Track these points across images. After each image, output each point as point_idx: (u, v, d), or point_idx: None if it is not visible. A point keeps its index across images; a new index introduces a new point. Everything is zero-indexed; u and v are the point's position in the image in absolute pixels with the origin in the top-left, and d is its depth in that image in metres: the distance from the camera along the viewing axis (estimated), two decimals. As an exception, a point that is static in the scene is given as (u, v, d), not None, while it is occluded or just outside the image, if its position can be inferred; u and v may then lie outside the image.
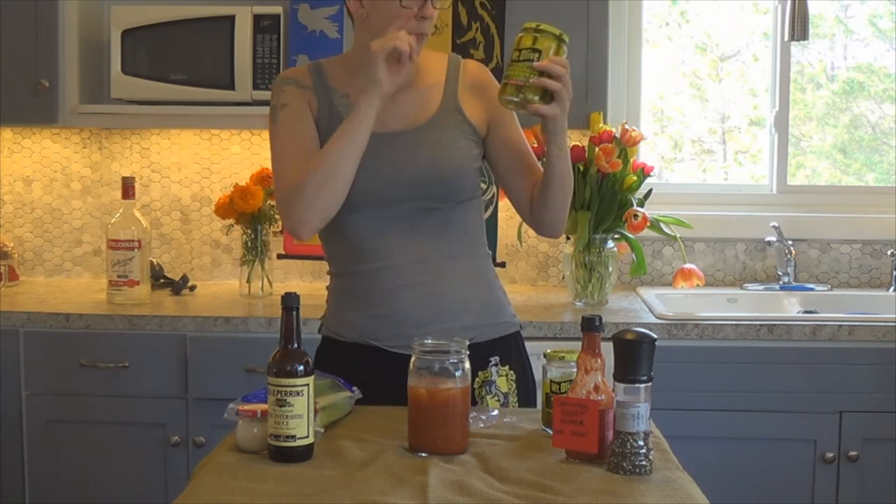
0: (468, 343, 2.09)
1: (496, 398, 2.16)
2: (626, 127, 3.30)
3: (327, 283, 2.28)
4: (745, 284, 3.59)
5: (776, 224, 3.55)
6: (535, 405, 2.22)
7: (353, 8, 2.13)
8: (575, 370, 1.82)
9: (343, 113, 2.13)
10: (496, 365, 2.18)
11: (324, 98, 2.16)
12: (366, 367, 2.12)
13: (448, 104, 2.18)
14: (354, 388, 2.03)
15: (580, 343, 1.81)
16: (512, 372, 2.20)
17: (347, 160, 2.03)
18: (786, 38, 3.40)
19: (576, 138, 3.41)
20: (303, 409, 1.75)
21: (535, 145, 3.22)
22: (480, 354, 2.15)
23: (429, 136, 2.14)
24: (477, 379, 2.15)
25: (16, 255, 3.63)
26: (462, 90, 2.20)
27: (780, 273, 3.56)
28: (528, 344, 2.30)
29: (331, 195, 2.04)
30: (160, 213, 3.68)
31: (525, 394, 2.22)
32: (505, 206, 3.12)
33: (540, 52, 2.00)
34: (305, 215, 2.05)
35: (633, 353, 1.72)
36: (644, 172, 3.31)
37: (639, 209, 3.26)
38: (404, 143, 2.13)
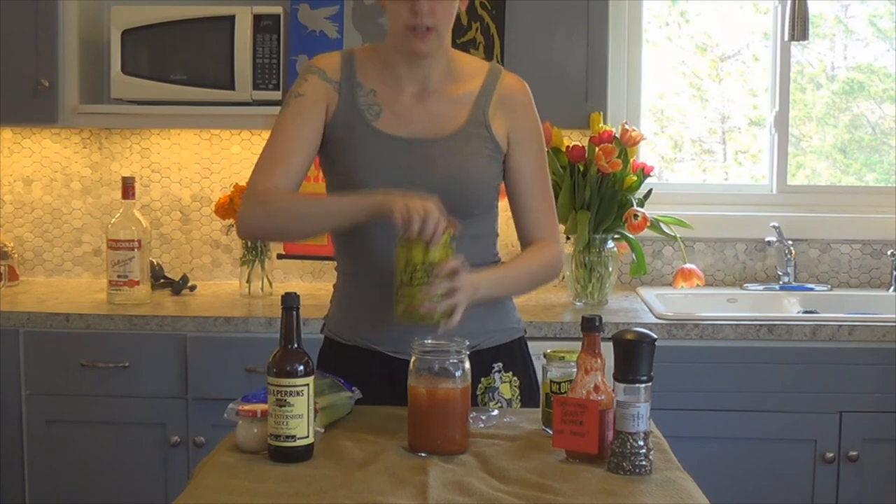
0: (471, 349, 2.09)
1: (499, 404, 2.15)
2: (626, 127, 3.30)
3: (334, 281, 2.27)
4: (745, 284, 3.59)
5: (776, 224, 3.55)
6: None
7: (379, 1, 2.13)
8: (575, 370, 1.82)
9: (365, 111, 2.11)
10: (499, 371, 2.16)
11: (347, 93, 2.13)
12: (367, 371, 2.11)
13: (476, 117, 2.14)
14: (354, 388, 2.02)
15: (580, 343, 1.81)
16: (516, 378, 2.18)
17: (310, 229, 2.13)
18: (786, 38, 3.40)
19: (576, 138, 3.41)
20: (303, 409, 1.75)
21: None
22: (483, 360, 2.14)
23: (451, 149, 2.11)
24: (480, 385, 2.14)
25: (16, 255, 3.63)
26: (494, 104, 2.15)
27: (780, 273, 3.56)
28: (528, 344, 2.29)
29: (277, 237, 2.21)
30: (160, 213, 3.68)
31: (529, 400, 2.20)
32: (504, 207, 3.12)
33: (433, 263, 1.92)
34: (250, 228, 2.16)
35: (633, 353, 1.72)
36: (644, 172, 3.31)
37: (639, 209, 3.26)
38: (426, 152, 2.10)
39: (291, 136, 2.12)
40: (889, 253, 3.55)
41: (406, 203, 1.90)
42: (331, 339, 2.23)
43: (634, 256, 3.34)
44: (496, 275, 2.13)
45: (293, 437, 1.75)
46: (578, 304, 3.30)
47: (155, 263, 3.51)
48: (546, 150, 2.26)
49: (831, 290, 3.56)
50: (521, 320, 2.27)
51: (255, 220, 2.11)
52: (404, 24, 2.05)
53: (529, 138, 2.18)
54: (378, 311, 2.12)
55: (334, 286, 2.26)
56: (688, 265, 3.50)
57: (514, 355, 2.21)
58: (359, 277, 2.17)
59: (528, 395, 2.21)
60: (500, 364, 2.16)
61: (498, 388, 2.16)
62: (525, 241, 2.22)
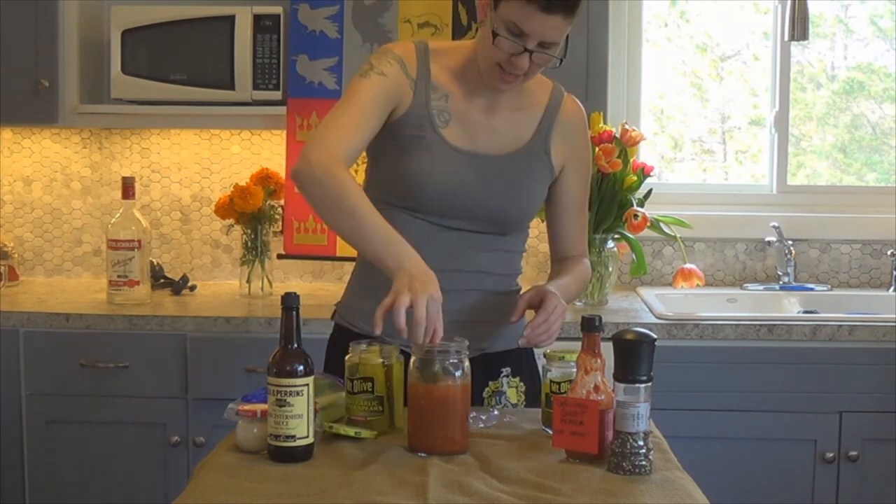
0: (480, 353, 2.09)
1: (505, 409, 2.16)
2: (626, 127, 3.30)
3: (353, 268, 2.26)
4: (745, 284, 3.59)
5: (776, 224, 3.55)
6: None
7: (479, 10, 2.07)
8: (575, 370, 1.82)
9: (436, 117, 2.09)
10: (507, 376, 2.16)
11: (421, 93, 2.10)
12: None
13: (538, 143, 2.15)
14: None
15: (580, 343, 1.81)
16: (522, 384, 2.18)
17: (342, 231, 1.98)
18: (786, 37, 3.40)
19: (576, 138, 3.41)
20: (303, 409, 1.75)
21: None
22: (492, 364, 2.14)
23: (509, 169, 2.12)
24: (487, 389, 2.15)
25: (16, 255, 3.62)
26: (556, 130, 2.17)
27: (780, 273, 3.56)
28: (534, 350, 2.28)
29: (314, 205, 2.00)
30: (160, 213, 3.68)
31: (535, 405, 2.20)
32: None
33: (372, 380, 1.91)
34: (301, 187, 1.98)
35: (633, 353, 1.72)
36: (644, 172, 3.31)
37: (639, 209, 3.26)
38: (485, 167, 2.11)
39: (366, 107, 2.03)
40: (889, 253, 3.55)
41: (406, 299, 1.82)
42: (342, 327, 2.22)
43: (634, 256, 3.34)
44: (562, 283, 2.16)
45: (293, 437, 1.75)
46: (578, 304, 3.30)
47: (155, 263, 3.51)
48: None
49: (831, 290, 3.56)
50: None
51: (310, 189, 1.97)
52: (497, 62, 2.02)
53: (581, 165, 2.23)
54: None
55: (352, 272, 2.26)
56: (688, 265, 3.50)
57: (522, 361, 2.21)
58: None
59: (534, 401, 2.20)
60: (509, 369, 2.16)
61: (505, 392, 2.16)
62: (558, 253, 2.27)
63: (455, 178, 2.09)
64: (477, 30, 3.27)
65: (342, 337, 2.18)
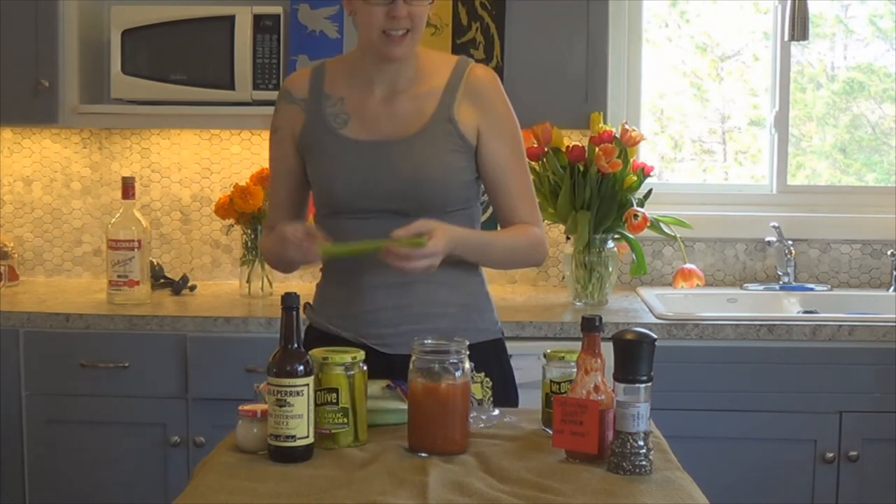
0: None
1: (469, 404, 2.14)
2: (626, 127, 3.30)
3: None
4: (745, 284, 3.59)
5: (776, 224, 3.55)
6: None
7: (345, 6, 2.15)
8: (575, 370, 1.82)
9: (332, 121, 2.15)
10: (471, 370, 2.15)
11: (313, 107, 2.18)
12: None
13: (441, 114, 2.14)
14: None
15: (580, 343, 1.81)
16: (488, 379, 2.16)
17: (280, 266, 2.30)
18: (786, 37, 3.40)
19: (576, 138, 3.41)
20: (303, 409, 1.75)
21: (535, 145, 3.22)
22: None
23: (414, 148, 2.12)
24: None
25: (16, 255, 3.62)
26: (460, 98, 2.15)
27: (780, 273, 3.56)
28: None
29: (278, 271, 2.40)
30: (160, 213, 3.68)
31: (505, 401, 2.18)
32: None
33: (337, 390, 1.83)
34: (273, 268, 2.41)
35: (633, 353, 1.72)
36: (644, 172, 3.31)
37: (639, 209, 3.26)
38: (389, 153, 2.12)
39: (276, 173, 2.27)
40: (889, 253, 3.55)
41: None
42: (312, 327, 2.28)
43: (634, 256, 3.33)
44: (477, 239, 2.18)
45: (293, 437, 1.75)
46: (578, 304, 3.30)
47: (155, 263, 3.51)
48: (522, 138, 2.26)
49: (831, 290, 3.56)
50: (497, 323, 2.28)
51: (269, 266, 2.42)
52: (380, 28, 2.07)
53: (500, 127, 2.19)
54: (347, 306, 2.17)
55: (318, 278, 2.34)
56: (688, 265, 3.50)
57: (487, 356, 2.17)
58: (330, 273, 2.26)
59: (504, 396, 2.19)
60: (472, 364, 2.15)
61: None
62: (504, 224, 2.24)
63: (360, 170, 2.12)
64: (473, 29, 3.28)
65: (313, 336, 2.23)
